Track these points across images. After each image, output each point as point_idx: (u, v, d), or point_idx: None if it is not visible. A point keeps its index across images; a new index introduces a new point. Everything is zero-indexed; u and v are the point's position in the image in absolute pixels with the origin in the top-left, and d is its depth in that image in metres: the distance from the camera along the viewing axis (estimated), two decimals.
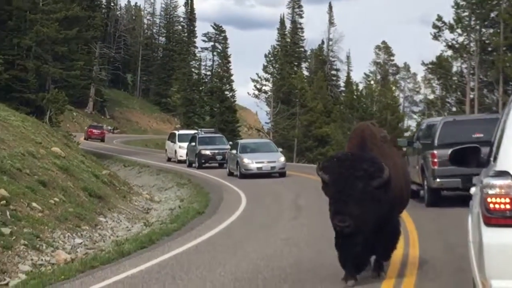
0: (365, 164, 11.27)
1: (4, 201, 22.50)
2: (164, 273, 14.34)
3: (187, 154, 53.27)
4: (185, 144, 54.40)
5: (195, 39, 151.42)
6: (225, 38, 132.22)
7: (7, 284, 17.37)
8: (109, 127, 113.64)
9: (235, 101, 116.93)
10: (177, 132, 61.30)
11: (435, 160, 22.73)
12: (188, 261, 15.77)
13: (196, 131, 56.19)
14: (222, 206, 27.42)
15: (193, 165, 50.30)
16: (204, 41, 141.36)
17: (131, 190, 39.52)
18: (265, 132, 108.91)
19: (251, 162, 40.20)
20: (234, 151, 42.35)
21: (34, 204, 23.93)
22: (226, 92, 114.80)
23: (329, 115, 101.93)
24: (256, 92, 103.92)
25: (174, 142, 57.92)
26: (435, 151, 22.83)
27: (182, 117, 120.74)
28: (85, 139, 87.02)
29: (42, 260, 19.97)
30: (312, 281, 12.46)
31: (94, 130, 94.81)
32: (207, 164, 49.78)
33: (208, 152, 49.76)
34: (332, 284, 11.95)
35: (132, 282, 13.56)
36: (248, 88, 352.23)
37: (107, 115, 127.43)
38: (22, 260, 19.48)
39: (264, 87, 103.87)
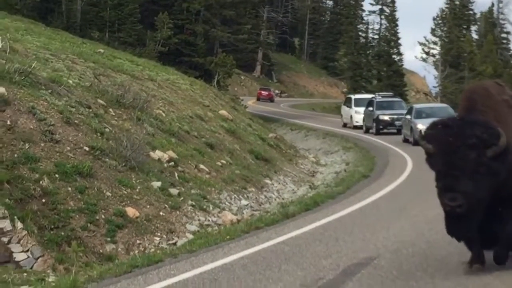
0: (477, 130, 9.31)
1: (173, 163, 23.04)
2: (327, 235, 14.23)
3: (363, 120, 51.02)
4: (361, 109, 52.10)
5: (362, 2, 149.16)
6: (393, 1, 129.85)
7: (175, 243, 17.78)
8: (276, 91, 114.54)
9: (402, 64, 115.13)
10: (353, 97, 58.73)
11: None
12: (352, 223, 15.61)
13: (373, 95, 53.32)
14: (388, 170, 27.04)
15: (370, 131, 48.16)
16: (371, 4, 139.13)
17: (297, 153, 39.67)
18: (432, 96, 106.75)
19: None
20: (408, 116, 39.80)
21: (201, 166, 24.38)
22: (394, 56, 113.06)
23: (499, 78, 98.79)
24: (424, 56, 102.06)
25: (350, 107, 55.78)
26: None
27: (349, 81, 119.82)
28: (257, 99, 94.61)
29: (208, 220, 20.34)
30: None
31: (262, 92, 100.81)
32: (385, 130, 46.76)
33: (386, 118, 46.98)
34: None
35: (295, 243, 13.52)
36: (415, 51, 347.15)
37: (274, 79, 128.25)
38: (189, 220, 19.90)
39: (432, 51, 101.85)
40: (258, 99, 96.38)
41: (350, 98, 58.03)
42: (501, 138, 9.22)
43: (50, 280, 13.74)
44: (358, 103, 54.42)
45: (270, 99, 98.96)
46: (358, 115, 53.28)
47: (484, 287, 9.37)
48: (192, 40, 64.35)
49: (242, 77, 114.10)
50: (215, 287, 10.19)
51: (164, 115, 27.78)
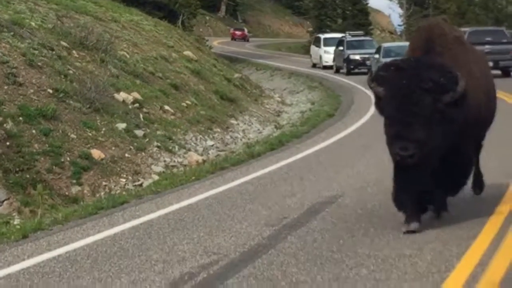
0: (434, 73, 8.50)
1: (137, 104, 22.97)
2: (292, 174, 14.35)
3: (333, 60, 50.52)
4: (331, 49, 51.58)
5: None
6: None
7: (141, 185, 17.81)
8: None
9: (367, 3, 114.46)
10: (322, 36, 57.73)
11: None
12: (317, 162, 15.73)
13: (343, 35, 52.69)
14: (353, 109, 27.16)
15: (341, 71, 47.89)
16: None
17: (263, 93, 39.69)
18: (397, 35, 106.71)
19: None
20: (376, 56, 39.70)
21: (166, 107, 24.33)
22: None
23: (463, 16, 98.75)
24: None
25: (319, 47, 55.07)
26: None
27: (314, 20, 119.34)
28: (232, 39, 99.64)
29: (174, 161, 20.37)
30: None
31: (236, 32, 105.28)
32: (356, 70, 45.97)
33: (357, 57, 46.57)
34: None
35: (260, 183, 13.61)
36: None
37: (239, 19, 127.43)
38: (155, 162, 19.92)
39: None
40: (233, 39, 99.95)
41: (319, 38, 57.13)
42: (459, 83, 8.49)
43: (15, 223, 13.73)
44: (328, 42, 53.86)
45: (244, 38, 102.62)
46: (327, 55, 52.79)
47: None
48: None
49: (207, 18, 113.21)
50: (180, 227, 10.24)
51: (128, 56, 27.58)
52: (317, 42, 56.85)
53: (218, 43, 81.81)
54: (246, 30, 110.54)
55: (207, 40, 61.56)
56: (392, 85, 8.65)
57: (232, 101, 30.87)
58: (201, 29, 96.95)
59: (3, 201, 16.22)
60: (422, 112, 8.39)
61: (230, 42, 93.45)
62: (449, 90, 8.47)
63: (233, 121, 27.71)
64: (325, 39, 55.62)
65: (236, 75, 40.07)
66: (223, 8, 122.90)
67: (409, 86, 8.47)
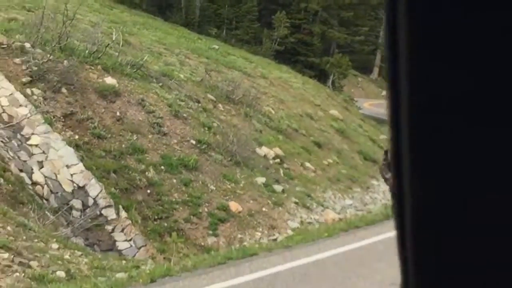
0: None
1: (278, 160, 23.08)
2: None
3: None
4: None
5: None
6: None
7: (275, 239, 17.80)
8: None
9: None
10: None
11: None
12: None
13: None
14: None
15: None
16: None
17: None
18: None
19: None
20: None
21: (307, 164, 24.35)
22: None
23: None
24: None
25: None
26: None
27: None
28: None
29: (310, 218, 20.29)
30: None
31: None
32: None
33: None
34: None
35: (391, 243, 13.31)
36: None
37: None
38: (291, 217, 19.90)
39: None
40: None
41: None
42: None
43: (145, 268, 13.98)
44: None
45: None
46: None
47: None
48: (309, 40, 64.29)
49: (359, 79, 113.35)
50: (304, 281, 10.16)
51: (273, 112, 27.88)
52: None
53: (369, 105, 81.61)
54: None
55: (356, 101, 61.47)
56: None
57: (375, 162, 30.56)
58: (352, 90, 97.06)
59: (141, 247, 16.54)
60: None
61: (381, 105, 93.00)
62: None
63: (374, 182, 27.41)
64: None
65: (382, 136, 39.73)
66: (375, 70, 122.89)
67: None
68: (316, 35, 65.40)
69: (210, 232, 18.05)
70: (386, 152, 2.53)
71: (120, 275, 11.52)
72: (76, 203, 16.86)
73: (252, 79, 32.05)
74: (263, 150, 23.13)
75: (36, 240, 12.80)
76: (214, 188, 19.47)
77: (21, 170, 16.82)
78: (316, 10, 65.75)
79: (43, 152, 17.56)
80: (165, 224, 17.50)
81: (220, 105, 24.83)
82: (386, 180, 2.50)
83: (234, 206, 19.14)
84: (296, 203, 20.88)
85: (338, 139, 30.35)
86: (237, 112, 25.06)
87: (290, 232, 18.33)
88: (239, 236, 18.32)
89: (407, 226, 1.09)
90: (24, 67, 19.76)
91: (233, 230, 18.44)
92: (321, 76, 59.92)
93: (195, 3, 61.79)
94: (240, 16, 63.21)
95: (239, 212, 19.06)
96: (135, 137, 19.39)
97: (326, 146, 27.98)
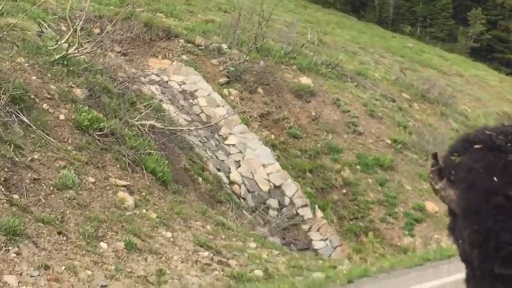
0: None
1: None
2: None
3: None
4: None
5: None
6: None
7: None
8: None
9: None
10: None
11: None
12: None
13: None
14: None
15: None
16: None
17: None
18: None
19: None
20: None
21: None
22: None
23: None
24: None
25: None
26: None
27: None
28: None
29: None
30: None
31: None
32: None
33: None
34: None
35: None
36: None
37: None
38: None
39: None
40: None
41: None
42: None
43: (342, 268, 13.98)
44: None
45: None
46: None
47: None
48: (505, 36, 62.41)
49: None
50: None
51: (469, 111, 27.24)
52: None
53: None
54: None
55: None
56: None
57: None
58: None
59: (336, 247, 16.56)
60: None
61: None
62: None
63: None
64: None
65: None
66: None
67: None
68: None
69: (406, 232, 17.86)
70: (435, 156, 2.19)
71: (317, 274, 11.56)
72: (273, 203, 17.09)
73: (447, 77, 31.44)
74: None
75: (234, 239, 13.03)
76: (410, 188, 19.23)
77: (218, 170, 17.23)
78: None
79: (240, 152, 17.92)
80: (361, 224, 17.47)
81: (415, 104, 24.51)
82: (436, 191, 2.29)
83: (430, 206, 18.83)
84: None
85: None
86: (433, 111, 24.64)
87: None
88: (436, 236, 17.99)
89: None
90: (221, 68, 20.28)
91: (430, 230, 18.14)
92: None
93: (389, 1, 61.36)
94: (435, 13, 62.21)
95: (436, 212, 18.73)
96: (330, 136, 19.46)
97: None
